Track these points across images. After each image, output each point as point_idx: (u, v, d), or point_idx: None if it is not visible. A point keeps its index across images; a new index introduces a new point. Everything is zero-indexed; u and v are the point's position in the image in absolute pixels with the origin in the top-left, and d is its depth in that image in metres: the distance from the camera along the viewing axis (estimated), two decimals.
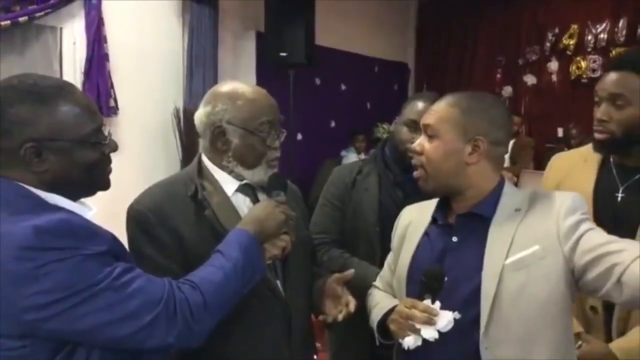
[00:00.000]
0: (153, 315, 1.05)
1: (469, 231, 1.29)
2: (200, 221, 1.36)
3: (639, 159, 1.56)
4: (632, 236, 1.41)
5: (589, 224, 1.22)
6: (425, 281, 1.23)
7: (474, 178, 1.29)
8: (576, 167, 1.68)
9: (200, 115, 1.44)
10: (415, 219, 1.45)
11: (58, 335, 1.01)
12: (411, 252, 1.38)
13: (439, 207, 1.39)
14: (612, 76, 1.53)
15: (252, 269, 1.24)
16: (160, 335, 1.06)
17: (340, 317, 1.44)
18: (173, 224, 1.34)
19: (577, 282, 1.19)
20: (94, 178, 1.15)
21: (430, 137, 1.32)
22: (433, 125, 1.31)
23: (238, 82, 1.48)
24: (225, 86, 1.46)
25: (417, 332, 1.20)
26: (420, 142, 1.34)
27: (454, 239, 1.31)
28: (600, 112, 1.54)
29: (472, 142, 1.27)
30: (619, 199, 1.56)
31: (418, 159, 1.34)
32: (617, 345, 1.48)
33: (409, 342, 1.21)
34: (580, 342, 1.51)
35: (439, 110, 1.32)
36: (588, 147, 1.67)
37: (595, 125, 1.56)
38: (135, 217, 1.36)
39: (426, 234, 1.38)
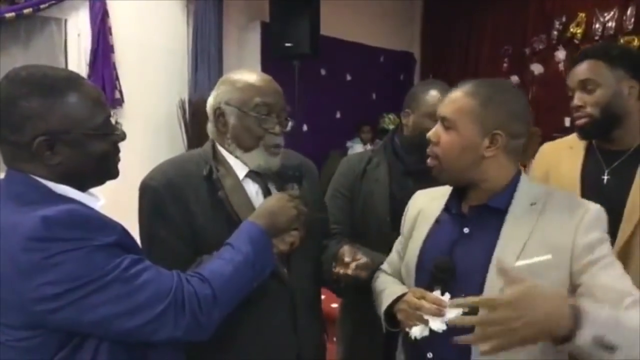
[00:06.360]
0: (162, 307, 1.04)
1: (482, 224, 1.27)
2: (213, 202, 1.37)
3: (621, 143, 1.64)
4: (619, 215, 1.53)
5: (606, 249, 1.18)
6: (435, 273, 1.22)
7: (490, 171, 1.26)
8: (563, 155, 1.77)
9: (209, 99, 1.48)
10: (426, 206, 1.42)
11: (67, 327, 1.01)
12: (421, 240, 1.36)
13: (452, 195, 1.36)
14: (578, 67, 1.67)
15: (262, 264, 1.24)
16: (169, 327, 1.06)
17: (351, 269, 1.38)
18: (185, 201, 1.35)
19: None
20: (105, 168, 1.15)
21: (447, 128, 1.27)
22: (450, 117, 1.26)
23: (248, 70, 1.49)
24: (234, 73, 1.50)
25: (425, 322, 1.19)
26: (437, 131, 1.29)
27: (465, 230, 1.28)
28: (574, 100, 1.65)
29: (490, 135, 1.23)
30: (605, 181, 1.64)
31: (433, 149, 1.30)
32: None
33: (416, 332, 1.21)
34: None
35: (456, 101, 1.26)
36: (573, 136, 1.76)
37: (574, 114, 1.67)
38: (148, 193, 1.37)
39: (437, 221, 1.36)
